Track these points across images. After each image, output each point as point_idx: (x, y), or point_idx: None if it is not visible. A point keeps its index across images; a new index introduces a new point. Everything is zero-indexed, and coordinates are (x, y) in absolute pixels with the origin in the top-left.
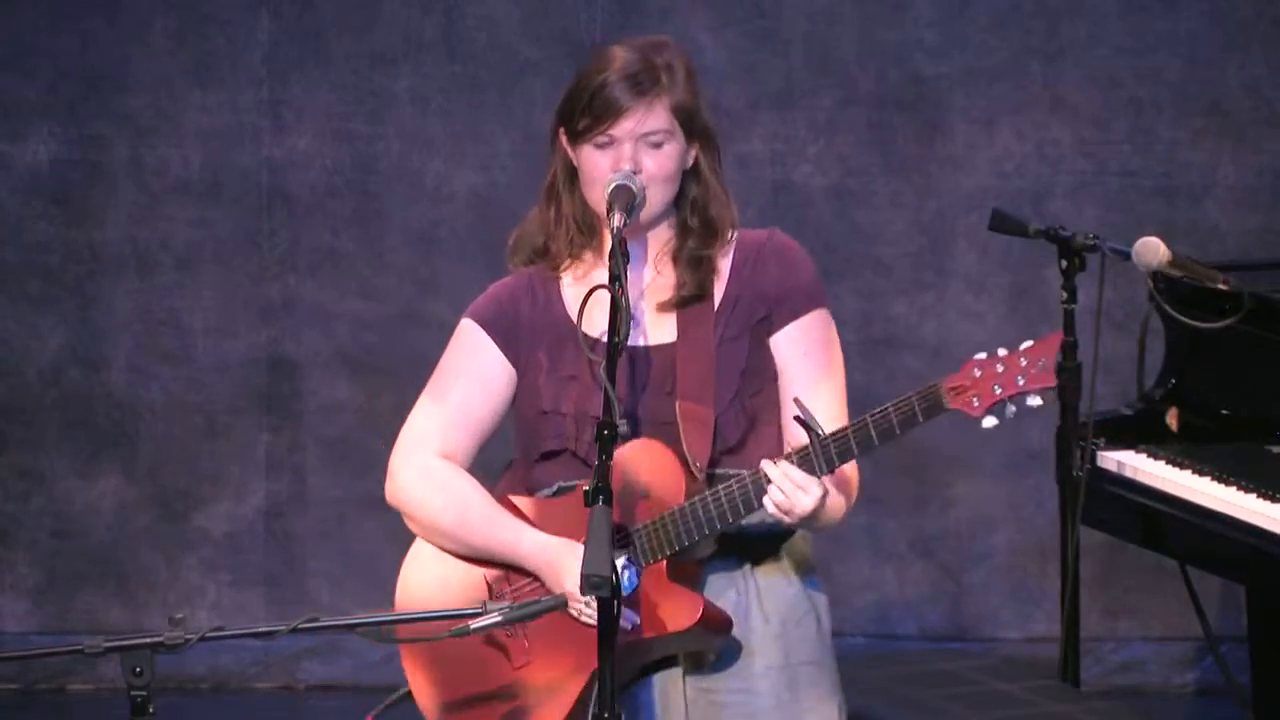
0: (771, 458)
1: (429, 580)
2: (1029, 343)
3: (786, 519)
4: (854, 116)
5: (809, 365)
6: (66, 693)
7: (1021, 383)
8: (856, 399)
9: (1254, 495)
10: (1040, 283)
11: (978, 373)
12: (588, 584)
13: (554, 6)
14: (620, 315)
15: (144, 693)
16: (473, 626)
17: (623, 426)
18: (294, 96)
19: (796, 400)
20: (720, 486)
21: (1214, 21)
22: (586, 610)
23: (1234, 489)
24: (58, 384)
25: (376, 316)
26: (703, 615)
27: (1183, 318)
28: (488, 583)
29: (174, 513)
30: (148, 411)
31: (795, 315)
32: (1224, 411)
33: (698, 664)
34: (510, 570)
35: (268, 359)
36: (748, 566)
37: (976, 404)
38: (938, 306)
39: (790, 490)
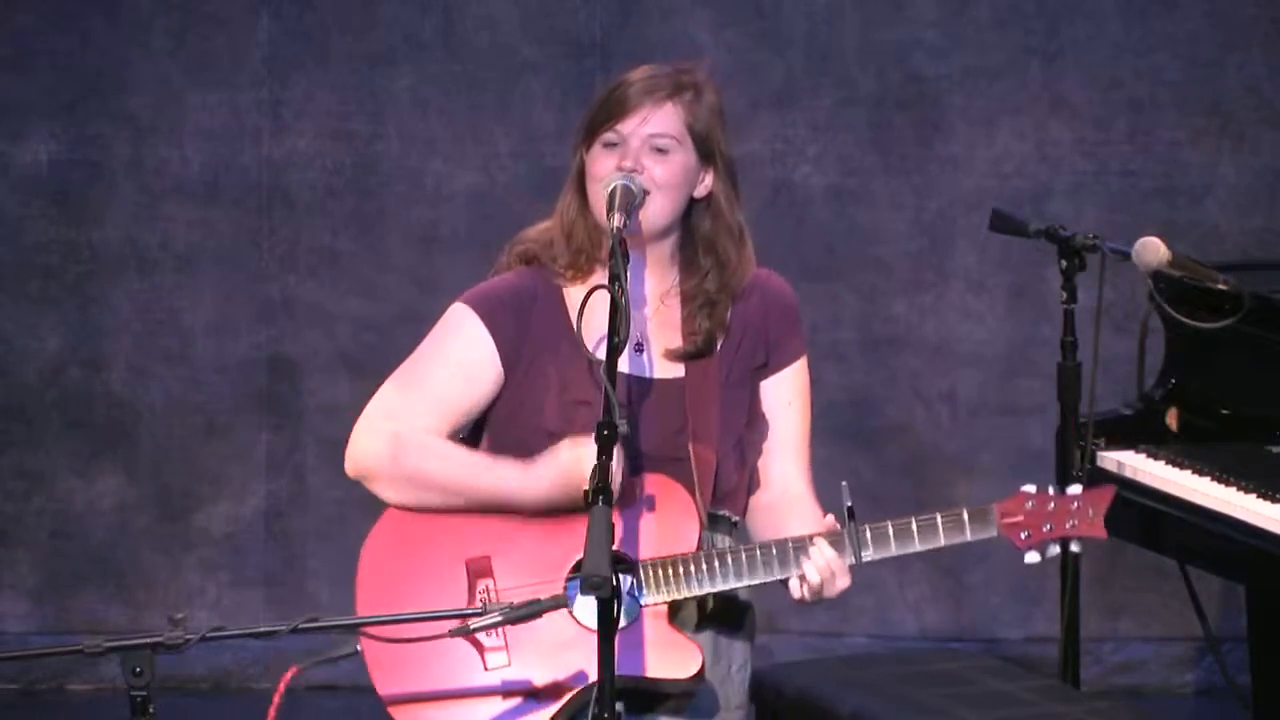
0: (810, 534)
1: (399, 556)
2: (1078, 488)
3: (807, 598)
4: (854, 116)
5: (793, 415)
6: (66, 693)
7: (1071, 527)
8: (856, 399)
9: (1254, 495)
10: (1040, 283)
11: (1030, 505)
12: (587, 584)
13: (554, 6)
14: (620, 315)
15: (144, 693)
16: (473, 626)
17: (622, 426)
18: (294, 96)
19: (845, 486)
20: (757, 548)
21: (1214, 21)
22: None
23: (1234, 489)
24: (58, 384)
25: (376, 316)
26: (700, 669)
27: (1183, 318)
28: (470, 573)
29: (174, 513)
30: (148, 411)
31: (787, 363)
32: (1224, 411)
33: (691, 705)
34: (497, 565)
35: (268, 359)
36: (727, 615)
37: (1025, 537)
38: (938, 306)
39: (826, 575)
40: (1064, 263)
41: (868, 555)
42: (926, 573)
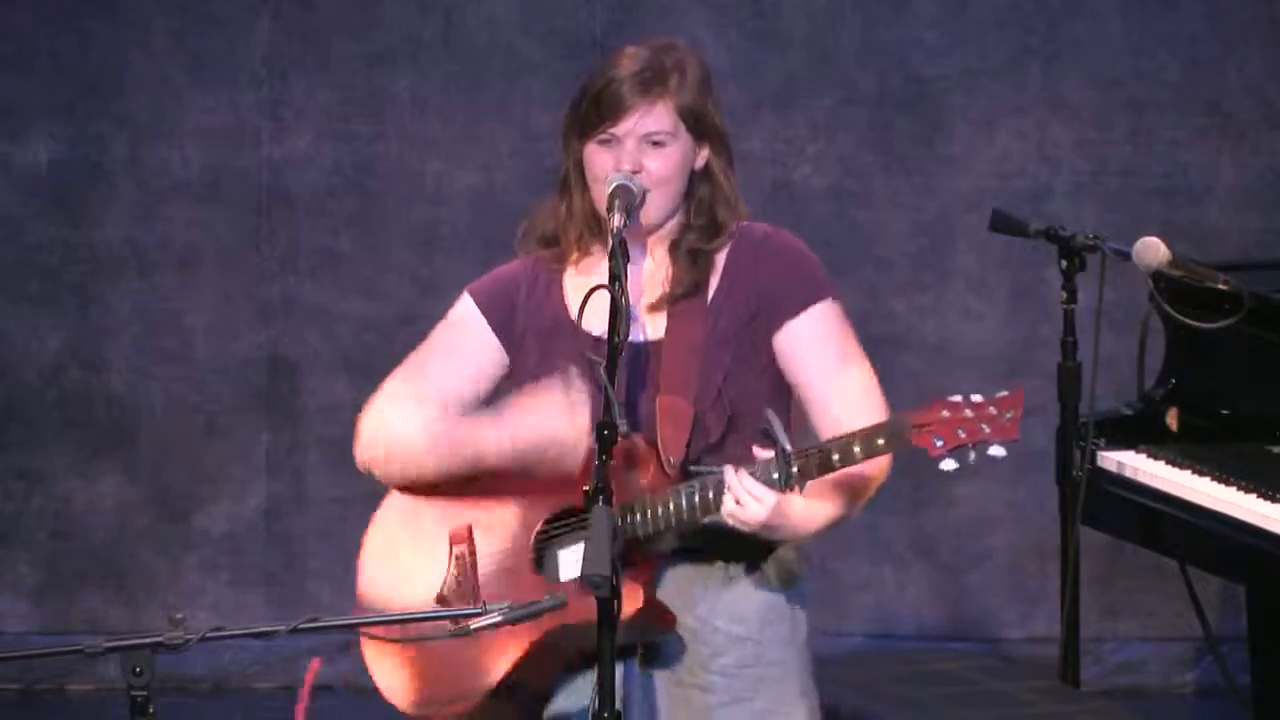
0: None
1: (396, 540)
2: (1002, 393)
3: (739, 527)
4: (854, 116)
5: (821, 358)
6: (66, 693)
7: (986, 431)
8: None
9: (1254, 495)
10: (1040, 283)
11: (945, 414)
12: (587, 584)
13: (554, 6)
14: (620, 316)
15: (144, 693)
16: (473, 626)
17: (623, 426)
18: (294, 96)
19: (767, 412)
20: (684, 485)
21: (1214, 21)
22: None
23: (1234, 489)
24: (58, 384)
25: (376, 317)
26: (644, 607)
27: (1183, 318)
28: (450, 543)
29: (174, 513)
30: (148, 411)
31: (796, 312)
32: (1224, 411)
33: (665, 659)
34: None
35: (268, 359)
36: (720, 567)
37: (940, 445)
38: (938, 306)
39: (745, 499)
40: (1064, 263)
41: (793, 481)
42: (926, 572)
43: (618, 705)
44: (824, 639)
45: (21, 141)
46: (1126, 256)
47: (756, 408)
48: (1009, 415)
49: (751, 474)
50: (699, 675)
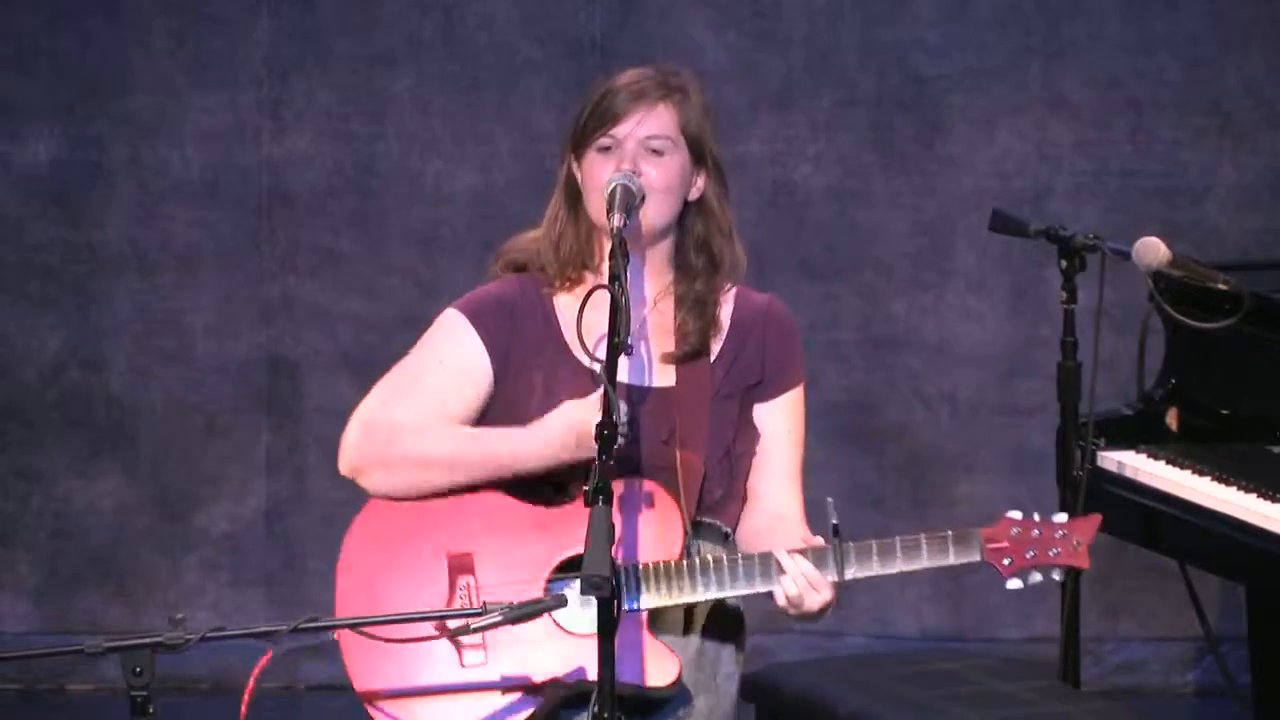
0: (788, 549)
1: (379, 550)
2: (1064, 516)
3: (789, 611)
4: (854, 116)
5: (789, 442)
6: (66, 693)
7: (1054, 555)
8: (856, 399)
9: (1254, 495)
10: (1040, 283)
11: (1015, 532)
12: (587, 584)
13: (554, 6)
14: (620, 315)
15: (144, 693)
16: (473, 626)
17: (623, 426)
18: (294, 96)
19: (828, 501)
20: (728, 558)
21: (1214, 21)
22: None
23: (1234, 489)
24: (58, 384)
25: (376, 317)
26: (677, 678)
27: (1183, 318)
28: (452, 568)
29: (174, 513)
30: (148, 411)
31: (784, 390)
32: (1224, 411)
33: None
34: (478, 560)
35: (268, 359)
36: (694, 622)
37: (1008, 564)
38: (938, 306)
39: (804, 587)
40: (1064, 263)
41: (850, 572)
42: (927, 573)
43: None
44: (824, 639)
45: (21, 141)
46: (1126, 256)
47: (746, 468)
48: (1077, 542)
49: (808, 556)
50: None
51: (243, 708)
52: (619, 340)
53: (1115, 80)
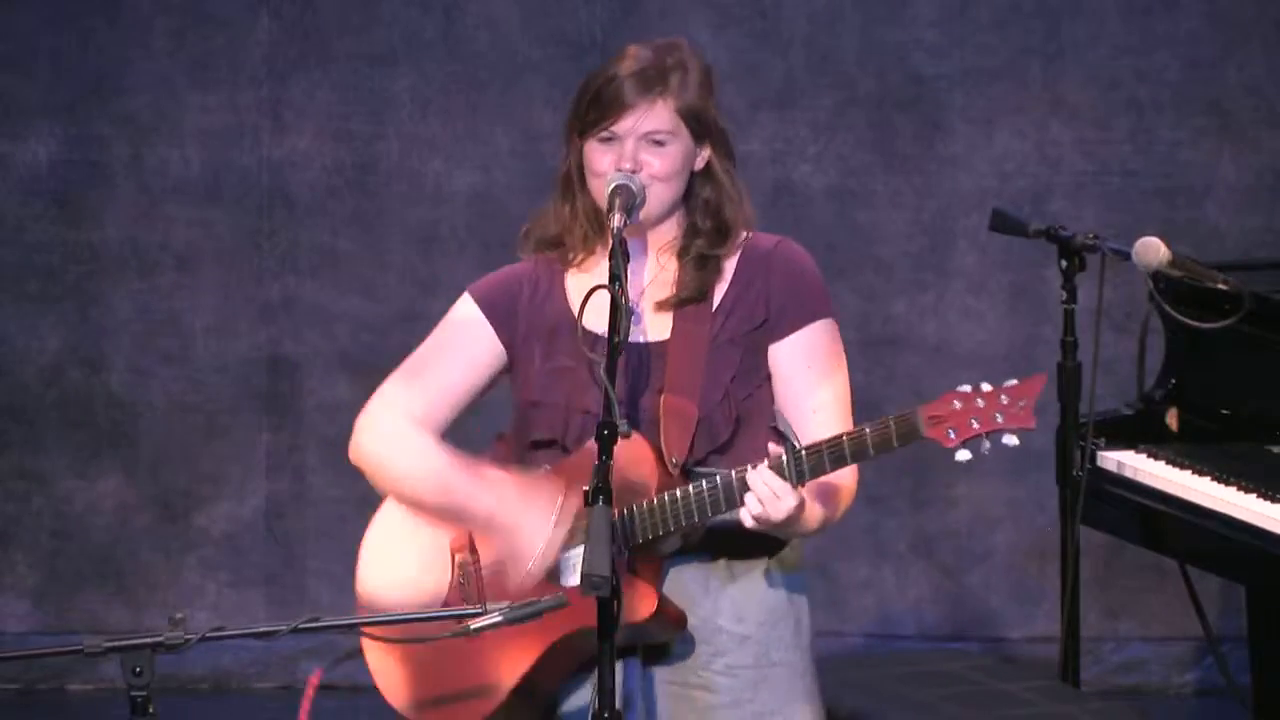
0: (753, 463)
1: (396, 540)
2: (1013, 381)
3: (759, 525)
4: (854, 116)
5: (811, 376)
6: (66, 693)
7: (999, 420)
8: (857, 399)
9: (1254, 495)
10: (1040, 283)
11: (957, 404)
12: (588, 584)
13: (554, 6)
14: (620, 315)
15: (144, 693)
16: (473, 626)
17: (623, 426)
18: (294, 96)
19: (776, 411)
20: (692, 485)
21: (1214, 21)
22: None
23: (1234, 489)
24: (58, 384)
25: (376, 316)
26: (657, 610)
27: (1183, 318)
28: (452, 550)
29: (174, 513)
30: (148, 411)
31: (797, 326)
32: (1224, 411)
33: (666, 657)
34: (478, 540)
35: (268, 359)
36: (724, 566)
37: (952, 436)
38: (938, 306)
39: (767, 497)
40: (1064, 263)
41: (805, 476)
42: (926, 572)
43: (619, 705)
44: (824, 639)
45: (21, 141)
46: (1126, 256)
47: (762, 410)
48: (1022, 403)
49: (769, 468)
50: (701, 675)
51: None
52: (619, 340)
53: (1115, 80)
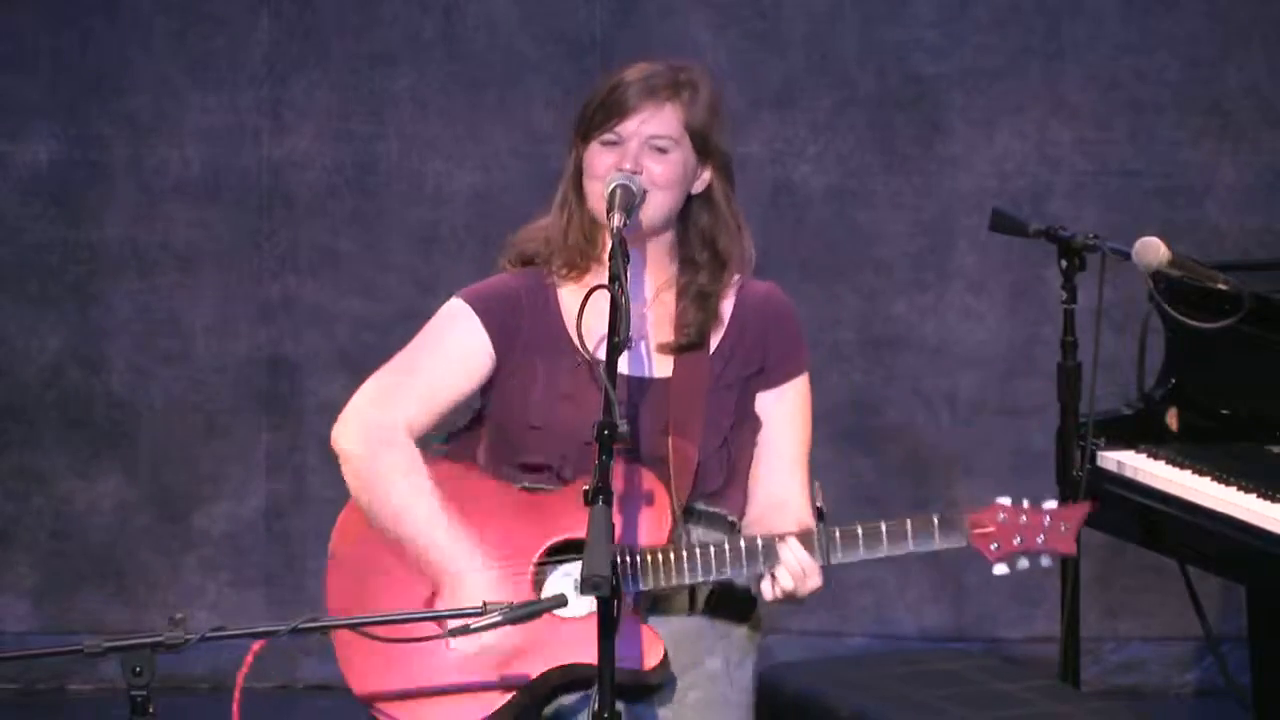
0: (780, 535)
1: (370, 536)
2: (1053, 503)
3: (779, 597)
4: (854, 116)
5: (792, 430)
6: (66, 693)
7: (1041, 541)
8: (856, 399)
9: (1254, 495)
10: (1040, 283)
11: (1002, 517)
12: (588, 584)
13: (554, 6)
14: (620, 315)
15: (144, 693)
16: (473, 626)
17: (622, 426)
18: (294, 96)
19: (817, 485)
20: (716, 545)
21: (1214, 21)
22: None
23: (1234, 489)
24: (58, 384)
25: (376, 316)
26: (660, 663)
27: (1183, 318)
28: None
29: (174, 513)
30: (148, 411)
31: (787, 379)
32: (1224, 411)
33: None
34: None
35: (268, 359)
36: (709, 625)
37: (994, 549)
38: (938, 306)
39: (798, 575)
40: (1064, 263)
41: (836, 558)
42: (926, 573)
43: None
44: (825, 639)
45: (21, 141)
46: (1126, 256)
47: (748, 458)
48: (1064, 528)
49: (801, 542)
50: (665, 709)
51: (235, 706)
52: (619, 340)
53: (1115, 80)
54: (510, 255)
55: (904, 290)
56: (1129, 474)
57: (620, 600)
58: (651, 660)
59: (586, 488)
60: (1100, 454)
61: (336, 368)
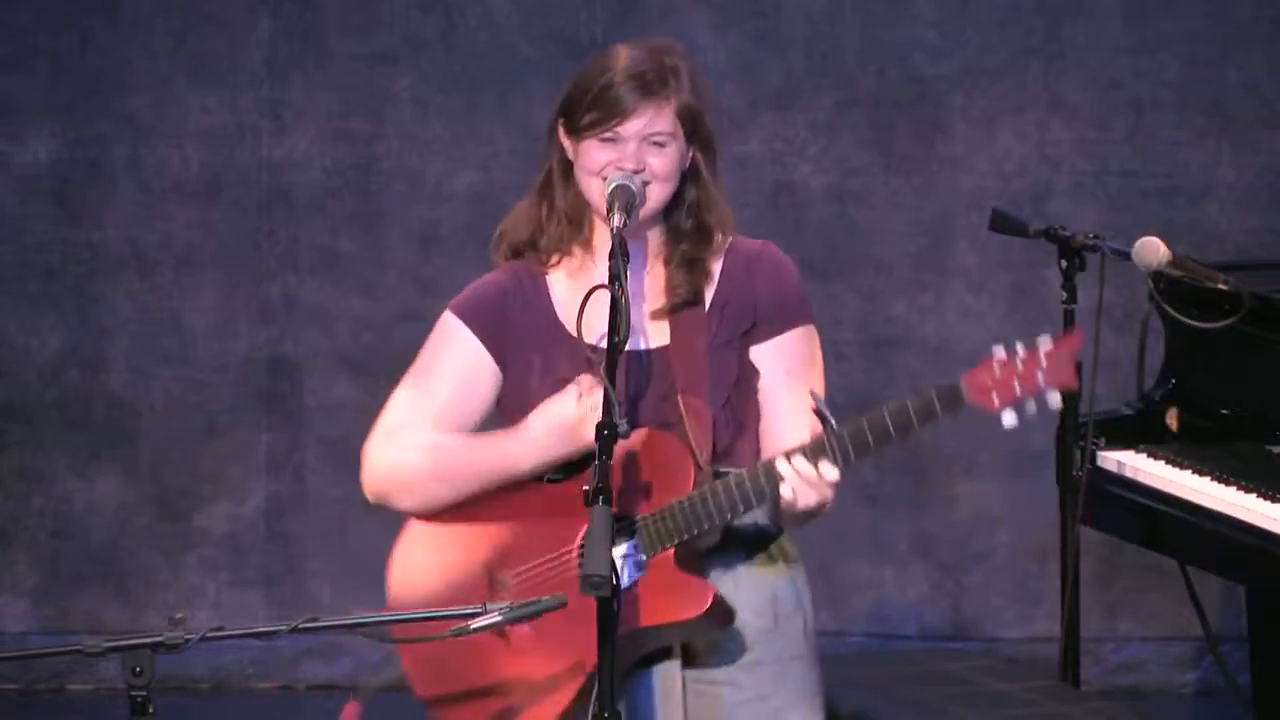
0: (771, 456)
1: (425, 568)
2: (1048, 341)
3: (797, 515)
4: (854, 116)
5: (789, 381)
6: (66, 693)
7: (1043, 380)
8: (857, 399)
9: (1254, 495)
10: (1040, 283)
11: (998, 369)
12: (588, 584)
13: (554, 6)
14: (620, 315)
15: (144, 693)
16: (473, 627)
17: (623, 426)
18: (294, 96)
19: (812, 393)
20: (730, 477)
21: (1214, 21)
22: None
23: (1234, 489)
24: (58, 384)
25: (376, 316)
26: (712, 604)
27: (1183, 318)
28: (488, 569)
29: (174, 513)
30: (148, 411)
31: (779, 330)
32: (1224, 411)
33: (690, 655)
34: (510, 553)
35: (268, 359)
36: (739, 562)
37: (997, 401)
38: (938, 307)
39: (798, 485)
40: (1064, 263)
41: (851, 457)
42: (926, 572)
43: (621, 701)
44: (824, 639)
45: (21, 141)
46: (1126, 256)
47: (754, 414)
48: (1062, 361)
49: (804, 454)
50: (726, 671)
51: None
52: (619, 340)
53: (1115, 80)
54: (503, 249)
55: (904, 290)
56: (1129, 474)
57: (620, 600)
58: (695, 607)
59: (587, 488)
60: (1100, 454)
61: (336, 368)
